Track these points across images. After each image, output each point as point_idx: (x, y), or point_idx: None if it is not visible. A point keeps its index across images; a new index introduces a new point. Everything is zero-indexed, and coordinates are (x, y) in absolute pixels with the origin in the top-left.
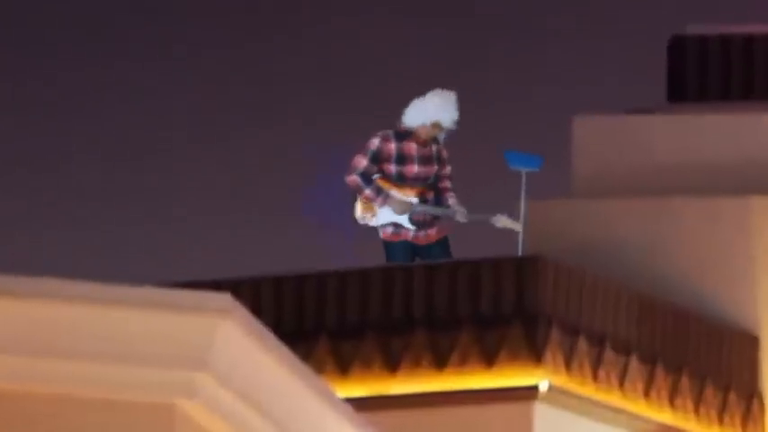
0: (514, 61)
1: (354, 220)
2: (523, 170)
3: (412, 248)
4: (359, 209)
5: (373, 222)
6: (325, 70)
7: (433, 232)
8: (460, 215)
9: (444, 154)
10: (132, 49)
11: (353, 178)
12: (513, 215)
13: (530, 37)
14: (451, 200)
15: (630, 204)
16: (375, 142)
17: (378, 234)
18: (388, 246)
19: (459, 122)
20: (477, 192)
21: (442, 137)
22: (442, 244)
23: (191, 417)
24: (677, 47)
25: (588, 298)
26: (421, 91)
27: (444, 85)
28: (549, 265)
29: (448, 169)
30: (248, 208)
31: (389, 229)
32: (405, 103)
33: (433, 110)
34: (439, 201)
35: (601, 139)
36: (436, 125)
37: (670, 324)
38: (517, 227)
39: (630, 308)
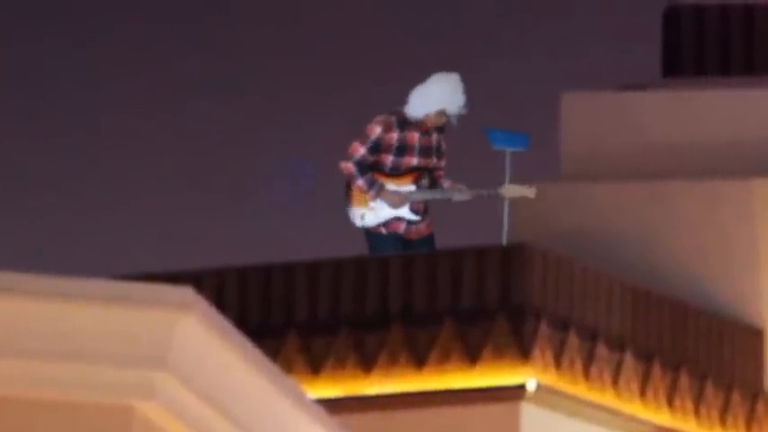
0: (498, 32)
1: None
2: (507, 150)
3: (402, 243)
4: (353, 204)
5: (371, 221)
6: (285, 45)
7: (422, 227)
8: (459, 194)
9: (443, 146)
10: (75, 25)
11: (348, 165)
12: (522, 182)
13: (514, 6)
14: (446, 183)
15: (623, 188)
16: (377, 131)
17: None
18: (375, 238)
19: (468, 105)
20: (456, 174)
21: (454, 120)
22: (431, 240)
23: (149, 419)
24: (673, 17)
25: (579, 290)
26: (392, 67)
27: (419, 57)
28: (536, 254)
29: (443, 162)
30: (210, 193)
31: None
32: (374, 78)
33: (436, 97)
34: (433, 186)
35: (591, 117)
36: (442, 113)
37: (667, 318)
38: (530, 192)
39: (624, 300)
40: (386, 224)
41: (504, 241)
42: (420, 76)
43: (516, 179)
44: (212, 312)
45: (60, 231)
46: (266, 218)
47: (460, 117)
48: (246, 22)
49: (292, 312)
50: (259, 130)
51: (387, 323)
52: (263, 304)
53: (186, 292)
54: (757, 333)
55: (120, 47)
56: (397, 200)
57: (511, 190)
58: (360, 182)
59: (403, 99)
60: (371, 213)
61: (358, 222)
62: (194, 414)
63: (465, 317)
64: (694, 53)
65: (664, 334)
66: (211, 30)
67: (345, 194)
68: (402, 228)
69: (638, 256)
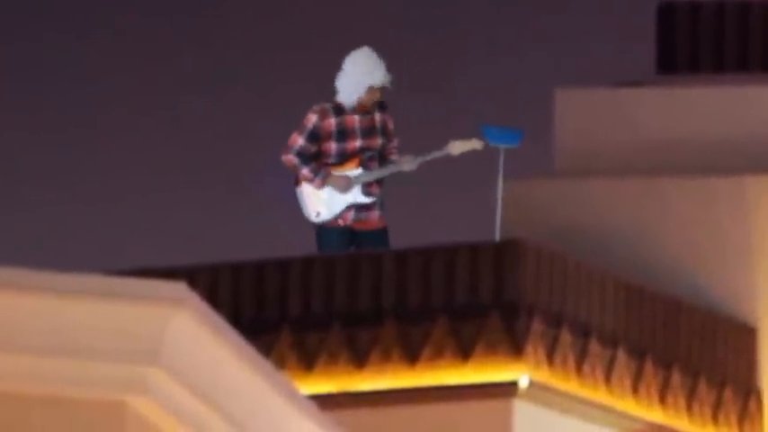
0: (491, 28)
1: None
2: (501, 146)
3: (349, 236)
4: (307, 202)
5: (327, 216)
6: (281, 39)
7: (373, 217)
8: (408, 163)
9: (390, 126)
10: (73, 21)
11: (290, 158)
12: (466, 137)
13: (509, 2)
14: (394, 156)
15: (617, 184)
16: (312, 119)
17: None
18: (322, 233)
19: (392, 75)
20: (449, 169)
21: (388, 84)
22: (382, 234)
23: (142, 415)
24: (667, 14)
25: (572, 286)
26: (389, 61)
27: (415, 52)
28: (529, 250)
29: (395, 142)
30: (204, 189)
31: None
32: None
33: (358, 76)
34: (383, 165)
35: (585, 113)
36: (371, 90)
37: (660, 314)
38: (476, 144)
39: (617, 297)
40: (334, 218)
41: (498, 237)
42: (412, 70)
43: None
44: (205, 308)
45: (56, 226)
46: (260, 214)
47: (392, 80)
48: (242, 17)
49: (285, 308)
50: (254, 125)
51: (380, 319)
52: (257, 300)
53: (179, 288)
54: (750, 330)
55: (117, 42)
56: (344, 183)
57: (456, 146)
58: (304, 171)
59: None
60: (325, 209)
61: (313, 219)
62: (187, 409)
63: (458, 313)
64: (689, 50)
65: (657, 331)
66: (208, 24)
67: (294, 188)
68: (350, 217)
69: (632, 253)
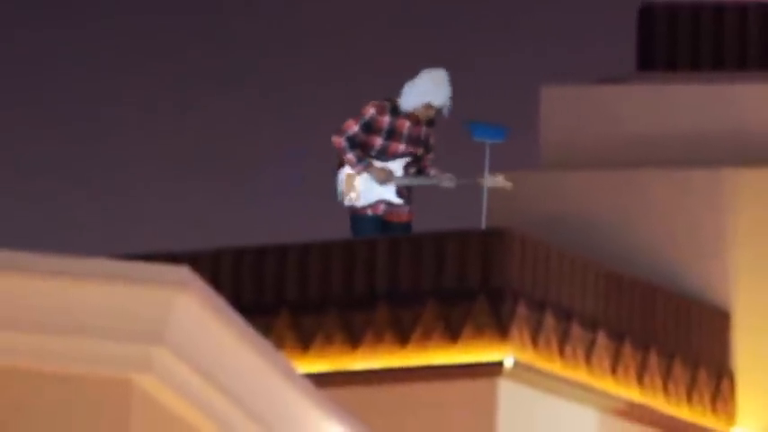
0: (479, 27)
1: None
2: (488, 142)
3: (382, 225)
4: (343, 185)
5: (359, 202)
6: (286, 36)
7: (405, 211)
8: (447, 181)
9: (432, 140)
10: (81, 17)
11: (339, 140)
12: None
13: (495, 2)
14: (434, 170)
15: (599, 176)
16: (371, 111)
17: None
18: (358, 219)
19: (453, 98)
20: (438, 162)
21: (445, 111)
22: (409, 226)
23: (147, 392)
24: (647, 15)
25: (555, 272)
26: (382, 58)
27: (406, 50)
28: (515, 238)
29: (431, 155)
30: (206, 177)
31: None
32: (367, 68)
33: (423, 91)
34: (420, 174)
35: (569, 109)
36: (429, 106)
37: (638, 299)
38: (507, 185)
39: (598, 283)
40: (371, 206)
41: (485, 226)
42: (407, 67)
43: (495, 172)
44: (208, 291)
45: (64, 215)
46: (260, 202)
47: (450, 108)
48: (249, 14)
49: (284, 291)
50: (257, 119)
51: (373, 302)
52: (257, 283)
53: (183, 272)
54: (724, 315)
55: (124, 38)
56: (383, 175)
57: (490, 180)
58: (349, 155)
59: (392, 90)
60: (359, 196)
61: (345, 202)
62: (190, 386)
63: (447, 297)
64: (667, 49)
65: (635, 315)
66: (215, 21)
67: (336, 170)
68: (381, 209)
69: (612, 241)
